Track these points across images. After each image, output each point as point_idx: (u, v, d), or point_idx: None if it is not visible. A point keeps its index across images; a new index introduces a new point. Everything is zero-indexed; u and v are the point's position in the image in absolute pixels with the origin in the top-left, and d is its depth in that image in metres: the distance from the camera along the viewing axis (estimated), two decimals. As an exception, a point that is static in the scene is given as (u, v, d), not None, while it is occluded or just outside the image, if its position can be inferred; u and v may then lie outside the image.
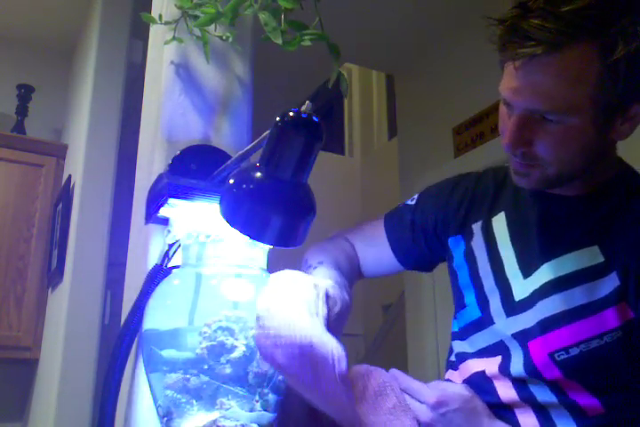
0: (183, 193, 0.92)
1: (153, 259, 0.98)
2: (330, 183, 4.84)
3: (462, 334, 0.96)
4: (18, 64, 2.98)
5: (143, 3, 1.41)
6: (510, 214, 0.92)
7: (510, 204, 0.93)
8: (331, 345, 0.72)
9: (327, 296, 0.81)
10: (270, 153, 0.77)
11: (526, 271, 0.87)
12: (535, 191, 0.89)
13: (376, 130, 5.44)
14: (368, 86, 5.59)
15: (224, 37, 1.07)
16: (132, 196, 1.16)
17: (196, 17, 1.04)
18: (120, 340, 0.91)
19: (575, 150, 0.78)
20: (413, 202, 1.05)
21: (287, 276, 0.82)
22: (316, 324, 0.74)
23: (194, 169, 1.01)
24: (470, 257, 0.95)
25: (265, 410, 0.79)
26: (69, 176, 2.49)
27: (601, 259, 0.80)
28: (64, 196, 2.44)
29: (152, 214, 0.98)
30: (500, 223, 0.93)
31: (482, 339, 0.92)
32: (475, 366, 0.92)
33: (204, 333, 0.79)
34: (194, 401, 0.78)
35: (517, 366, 0.85)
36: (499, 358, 0.88)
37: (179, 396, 0.78)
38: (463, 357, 0.96)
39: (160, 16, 1.08)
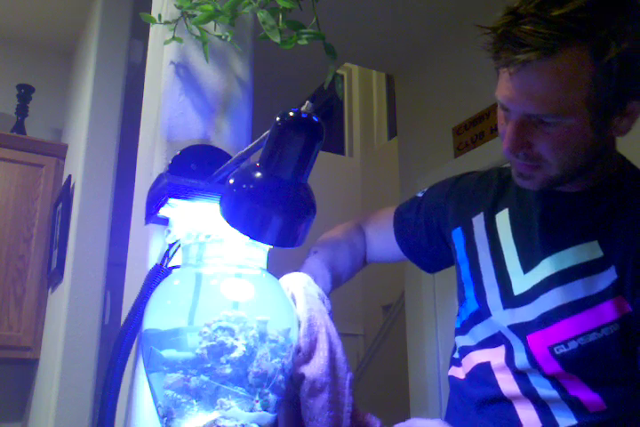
0: (183, 193, 0.92)
1: (153, 259, 0.98)
2: (330, 183, 4.85)
3: (464, 329, 0.97)
4: (18, 64, 2.98)
5: (143, 3, 1.41)
6: (514, 211, 0.93)
7: (514, 201, 0.94)
8: None
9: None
10: (270, 153, 0.77)
11: (527, 267, 0.88)
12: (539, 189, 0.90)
13: (376, 130, 5.44)
14: (368, 86, 5.59)
15: (223, 37, 1.07)
16: (132, 196, 1.16)
17: (195, 17, 1.04)
18: (120, 340, 0.91)
19: (575, 150, 0.79)
20: (421, 195, 1.09)
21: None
22: None
23: (194, 169, 1.01)
24: (472, 251, 0.96)
25: (265, 410, 0.79)
26: (69, 176, 2.49)
27: (600, 254, 0.81)
28: (64, 196, 2.44)
29: (152, 214, 0.98)
30: (503, 220, 0.93)
31: (481, 331, 0.93)
32: (478, 357, 0.93)
33: (204, 333, 0.79)
34: (194, 401, 0.78)
35: (521, 358, 0.86)
36: (502, 349, 0.89)
37: (179, 396, 0.78)
38: (466, 350, 0.97)
39: (160, 16, 1.08)
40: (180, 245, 0.93)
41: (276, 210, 0.78)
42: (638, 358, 0.79)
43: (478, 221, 0.96)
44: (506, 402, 0.87)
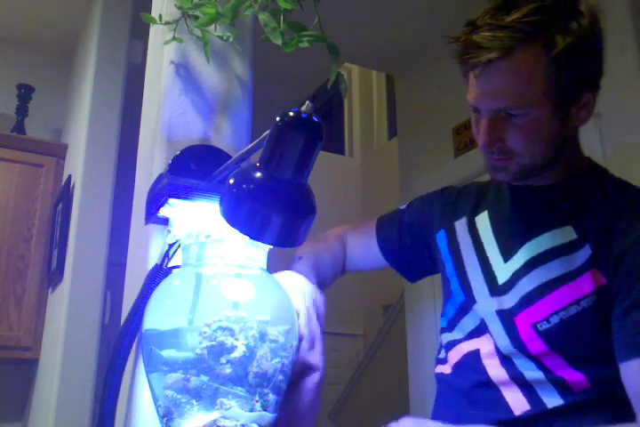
0: (183, 193, 0.92)
1: (153, 259, 0.98)
2: (330, 183, 4.85)
3: (451, 325, 1.01)
4: (18, 64, 2.98)
5: (143, 3, 1.41)
6: (492, 211, 1.00)
7: (492, 202, 1.02)
8: None
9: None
10: (270, 153, 0.77)
11: (507, 256, 0.94)
12: (513, 186, 0.98)
13: (376, 130, 5.44)
14: (368, 86, 5.59)
15: (224, 37, 1.07)
16: (132, 196, 1.16)
17: (195, 17, 1.04)
18: (120, 340, 0.91)
19: (542, 139, 0.88)
20: (404, 207, 1.16)
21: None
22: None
23: (194, 169, 1.01)
24: (455, 250, 1.02)
25: (265, 410, 0.79)
26: (69, 176, 2.49)
27: (575, 236, 0.88)
28: (64, 196, 2.44)
29: (152, 214, 0.98)
30: (483, 220, 1.01)
31: (468, 322, 0.97)
32: (467, 347, 0.97)
33: (204, 333, 0.79)
34: (194, 401, 0.78)
35: (503, 343, 0.90)
36: (489, 337, 0.93)
37: (179, 396, 0.78)
38: (453, 344, 1.00)
39: (160, 16, 1.08)
40: (179, 245, 0.93)
41: (275, 210, 0.78)
42: (612, 325, 0.83)
43: (461, 224, 1.03)
44: (493, 387, 0.90)
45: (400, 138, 3.30)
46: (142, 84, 1.23)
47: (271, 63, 2.44)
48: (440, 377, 1.03)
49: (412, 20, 2.79)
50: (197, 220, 0.94)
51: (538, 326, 0.87)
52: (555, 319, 0.85)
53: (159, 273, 0.92)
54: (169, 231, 0.97)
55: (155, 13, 1.16)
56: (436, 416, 1.01)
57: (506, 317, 0.90)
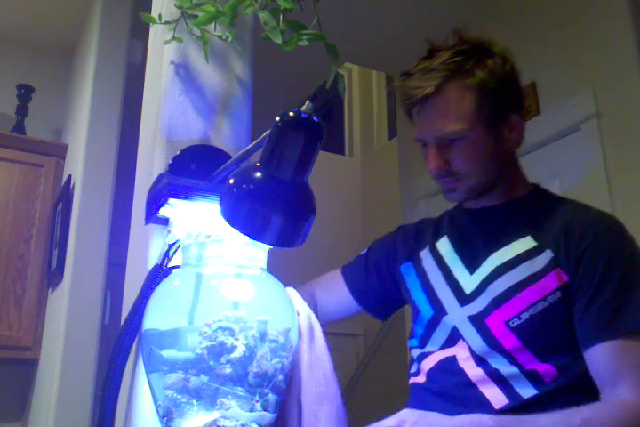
0: (183, 193, 0.92)
1: (153, 259, 0.98)
2: (330, 183, 4.85)
3: (422, 342, 1.07)
4: (18, 64, 2.98)
5: (143, 3, 1.41)
6: (451, 235, 1.11)
7: (449, 228, 1.12)
8: None
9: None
10: (270, 153, 0.77)
11: (472, 269, 1.04)
12: (467, 210, 1.10)
13: (376, 130, 5.44)
14: (368, 86, 5.59)
15: (224, 37, 1.07)
16: (132, 196, 1.16)
17: (195, 17, 1.04)
18: (120, 340, 0.91)
19: (482, 159, 1.01)
20: (366, 251, 1.23)
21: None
22: None
23: (194, 169, 1.01)
24: (422, 274, 1.10)
25: (265, 410, 0.79)
26: (69, 176, 2.49)
27: (534, 244, 1.00)
28: (64, 196, 2.44)
29: (152, 214, 0.98)
30: (443, 244, 1.11)
31: (439, 335, 1.03)
32: (442, 355, 1.02)
33: (204, 333, 0.79)
34: (194, 401, 0.78)
35: (479, 344, 0.97)
36: (463, 343, 1.00)
37: (179, 396, 0.78)
38: (426, 355, 1.05)
39: (160, 16, 1.08)
40: (179, 245, 0.93)
41: (276, 210, 0.78)
42: (574, 317, 0.94)
43: (424, 253, 1.12)
44: (472, 386, 0.97)
45: (400, 138, 3.30)
46: (142, 84, 1.23)
47: (271, 63, 2.44)
48: (414, 387, 1.07)
49: (412, 20, 2.79)
50: (197, 220, 0.94)
51: (510, 323, 0.95)
52: (525, 316, 0.95)
53: (159, 273, 0.92)
54: (169, 231, 0.97)
55: (154, 13, 1.15)
56: None
57: (477, 320, 0.98)
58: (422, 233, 1.16)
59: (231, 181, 0.80)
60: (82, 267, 2.22)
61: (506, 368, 0.95)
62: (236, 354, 0.78)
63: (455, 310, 1.02)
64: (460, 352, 1.00)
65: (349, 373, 4.54)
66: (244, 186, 0.78)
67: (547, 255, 0.97)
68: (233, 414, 0.77)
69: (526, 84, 2.37)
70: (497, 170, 1.03)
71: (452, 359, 1.00)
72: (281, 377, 0.81)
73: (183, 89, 1.08)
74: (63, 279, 2.29)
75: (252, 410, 0.78)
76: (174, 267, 0.93)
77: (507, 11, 2.58)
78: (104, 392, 0.90)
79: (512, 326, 0.95)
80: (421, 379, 1.05)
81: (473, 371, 0.97)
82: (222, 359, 0.78)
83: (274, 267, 0.95)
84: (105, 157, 2.35)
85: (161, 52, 1.12)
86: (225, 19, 1.01)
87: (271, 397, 0.80)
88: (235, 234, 0.79)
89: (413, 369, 1.09)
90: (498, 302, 0.97)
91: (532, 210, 1.05)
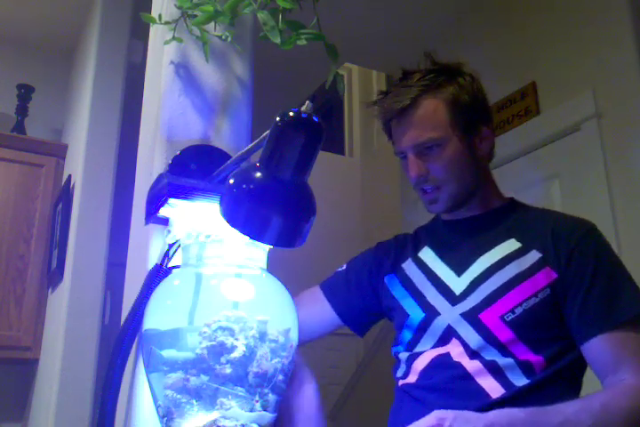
0: (183, 193, 0.92)
1: (153, 259, 0.98)
2: (330, 183, 4.84)
3: (411, 345, 1.09)
4: (18, 64, 2.97)
5: (143, 3, 1.41)
6: (432, 244, 1.17)
7: (429, 239, 1.18)
8: None
9: None
10: (270, 153, 0.77)
11: (459, 271, 1.09)
12: (448, 221, 1.17)
13: (376, 130, 5.44)
14: (368, 86, 5.58)
15: (223, 37, 1.07)
16: (132, 196, 1.16)
17: (195, 17, 1.04)
18: (120, 340, 0.91)
19: (459, 166, 1.08)
20: (345, 266, 1.26)
21: None
22: None
23: (194, 169, 1.01)
24: (407, 282, 1.14)
25: (265, 410, 0.79)
26: (69, 176, 2.49)
27: (519, 245, 1.07)
28: (64, 196, 2.44)
29: (152, 214, 0.98)
30: (426, 253, 1.16)
31: (431, 336, 1.07)
32: (435, 353, 1.05)
33: (204, 333, 0.79)
34: (194, 401, 0.78)
35: (475, 339, 1.02)
36: (456, 342, 1.04)
37: (179, 396, 0.78)
38: (417, 355, 1.07)
39: (160, 16, 1.08)
40: (179, 245, 0.93)
41: (276, 210, 0.78)
42: (567, 312, 1.01)
43: (407, 264, 1.17)
44: (469, 378, 1.01)
45: (400, 138, 3.28)
46: (142, 84, 1.23)
47: (271, 63, 2.44)
48: (405, 387, 1.08)
49: (412, 20, 2.79)
50: (197, 220, 0.94)
51: (505, 317, 1.01)
52: (519, 310, 1.01)
53: (159, 273, 0.92)
54: (169, 231, 0.97)
55: (154, 13, 1.16)
56: (403, 421, 0.99)
57: (471, 316, 1.03)
58: (402, 247, 1.21)
59: (231, 181, 0.80)
60: (82, 267, 2.22)
61: (502, 360, 1.00)
62: (235, 354, 0.78)
63: (447, 310, 1.06)
64: (454, 349, 1.04)
65: (349, 373, 4.54)
66: (244, 186, 0.78)
67: (534, 255, 1.05)
68: (233, 414, 0.77)
69: (526, 84, 2.37)
70: (473, 177, 1.10)
71: (447, 356, 1.04)
72: (281, 377, 0.81)
73: (183, 89, 1.08)
74: (63, 279, 2.29)
75: (251, 410, 0.78)
76: (174, 267, 0.93)
77: (506, 11, 2.58)
78: (104, 392, 0.90)
79: (507, 320, 1.01)
80: (412, 379, 1.07)
81: (470, 364, 1.01)
82: (222, 359, 0.78)
83: (274, 267, 0.94)
84: (105, 157, 2.35)
85: (161, 52, 1.12)
86: (224, 19, 1.01)
87: (271, 397, 0.80)
88: (235, 234, 0.79)
89: (400, 373, 1.11)
90: (493, 299, 1.03)
91: (511, 218, 1.13)
